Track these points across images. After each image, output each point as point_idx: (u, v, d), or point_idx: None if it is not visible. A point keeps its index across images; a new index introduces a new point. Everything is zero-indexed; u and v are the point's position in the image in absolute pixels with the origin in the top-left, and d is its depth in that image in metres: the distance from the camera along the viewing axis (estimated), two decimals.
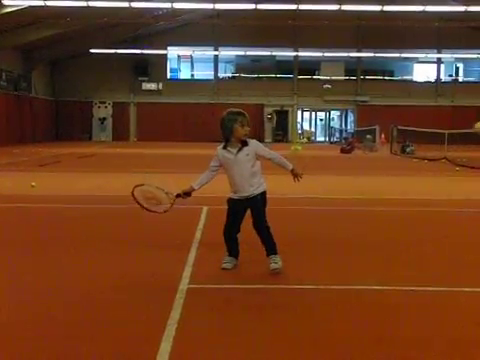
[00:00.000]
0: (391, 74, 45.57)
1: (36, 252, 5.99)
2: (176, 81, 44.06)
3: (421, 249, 6.32)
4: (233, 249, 5.28)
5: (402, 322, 3.94)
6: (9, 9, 27.02)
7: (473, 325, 3.92)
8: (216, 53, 42.22)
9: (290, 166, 5.27)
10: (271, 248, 5.14)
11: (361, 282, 4.90)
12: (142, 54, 40.11)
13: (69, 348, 3.44)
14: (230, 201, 5.31)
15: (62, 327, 3.78)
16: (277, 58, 43.82)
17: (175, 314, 3.98)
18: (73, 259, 5.67)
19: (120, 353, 3.38)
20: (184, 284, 4.72)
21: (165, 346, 3.43)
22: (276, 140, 40.18)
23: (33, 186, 11.22)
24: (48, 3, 25.42)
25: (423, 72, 45.21)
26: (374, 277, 5.10)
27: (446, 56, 43.44)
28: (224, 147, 5.21)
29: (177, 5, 28.16)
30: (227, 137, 5.17)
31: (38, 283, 4.84)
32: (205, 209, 8.72)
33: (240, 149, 5.12)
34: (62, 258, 5.71)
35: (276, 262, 5.07)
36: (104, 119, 43.11)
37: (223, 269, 5.16)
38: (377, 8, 28.27)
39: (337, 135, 43.27)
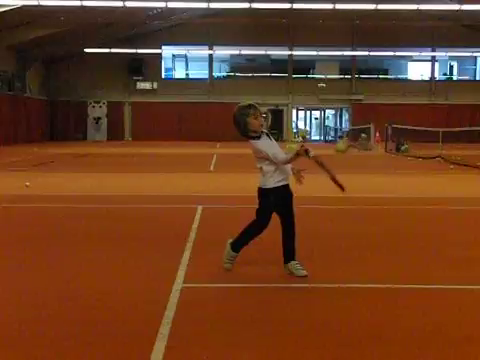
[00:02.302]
0: (386, 73, 45.63)
1: (30, 252, 5.97)
2: (171, 80, 44.02)
3: (417, 247, 6.33)
4: (245, 245, 5.09)
5: (400, 321, 3.94)
6: (3, 9, 26.94)
7: (475, 323, 3.92)
8: (211, 52, 42.21)
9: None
10: (294, 251, 5.02)
11: (357, 280, 4.90)
12: (136, 53, 40.06)
13: (63, 348, 3.43)
14: (275, 190, 4.93)
15: (56, 327, 3.77)
16: (272, 57, 43.84)
17: (169, 313, 3.98)
18: (67, 259, 5.65)
19: (114, 353, 3.37)
20: (178, 283, 4.71)
21: (159, 345, 3.42)
22: None
23: (27, 186, 11.19)
24: (42, 2, 25.33)
25: (417, 71, 45.32)
26: (370, 275, 5.10)
27: (440, 55, 43.53)
28: (258, 138, 4.97)
29: (171, 4, 28.10)
30: (244, 133, 4.98)
31: (31, 283, 4.83)
32: (200, 208, 8.71)
33: (267, 135, 5.02)
34: (57, 258, 5.70)
35: (302, 268, 4.95)
36: (99, 119, 43.02)
37: (226, 269, 5.06)
38: (371, 7, 28.29)
39: (332, 134, 43.33)
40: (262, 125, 4.98)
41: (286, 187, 5.00)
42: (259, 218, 5.02)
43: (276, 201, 4.96)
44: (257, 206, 5.04)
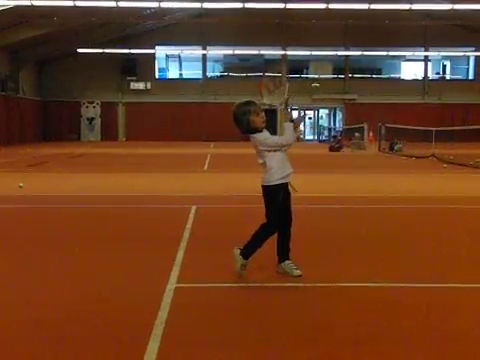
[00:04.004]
0: (379, 72, 45.74)
1: (24, 253, 5.95)
2: (164, 80, 43.98)
3: (412, 246, 6.34)
4: (258, 249, 4.95)
5: (397, 320, 3.94)
6: None
7: (473, 322, 3.92)
8: (204, 52, 42.19)
9: None
10: (289, 251, 4.99)
11: (352, 279, 4.90)
12: (130, 54, 39.99)
13: (57, 349, 3.42)
14: (280, 186, 4.88)
15: (50, 328, 3.76)
16: (265, 57, 43.86)
17: (163, 314, 3.97)
18: (61, 259, 5.64)
19: (108, 353, 3.37)
20: (172, 283, 4.70)
21: (153, 346, 3.42)
22: None
23: (21, 187, 11.15)
24: (35, 3, 25.26)
25: (411, 70, 45.44)
26: (366, 274, 5.11)
27: (433, 54, 43.65)
28: (260, 132, 4.88)
29: (165, 4, 28.10)
30: (247, 131, 4.87)
31: (26, 284, 4.82)
32: (194, 208, 8.71)
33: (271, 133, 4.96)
34: (50, 259, 5.68)
35: (297, 268, 4.93)
36: (92, 119, 42.95)
37: (239, 275, 4.91)
38: (364, 6, 28.36)
39: (326, 133, 43.40)
40: (264, 121, 4.88)
41: (287, 185, 4.97)
42: (270, 220, 4.89)
43: (279, 195, 4.87)
44: (264, 207, 4.93)
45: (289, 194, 5.00)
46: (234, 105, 4.97)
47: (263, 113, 4.89)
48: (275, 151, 4.86)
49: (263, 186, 4.94)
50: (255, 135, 4.87)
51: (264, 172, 4.92)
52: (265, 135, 4.88)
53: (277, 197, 4.88)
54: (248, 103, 4.90)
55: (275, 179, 4.86)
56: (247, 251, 4.90)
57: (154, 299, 4.29)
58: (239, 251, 4.91)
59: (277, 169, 4.86)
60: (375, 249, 6.17)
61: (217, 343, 3.52)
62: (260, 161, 4.93)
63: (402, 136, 26.30)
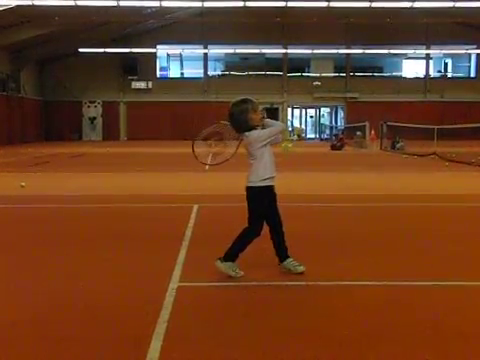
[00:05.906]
0: (380, 70, 45.73)
1: (25, 252, 5.95)
2: (166, 80, 44.00)
3: (414, 244, 6.32)
4: (242, 251, 4.87)
5: (397, 318, 3.92)
6: None
7: (474, 320, 3.90)
8: (205, 51, 42.20)
9: None
10: (287, 249, 4.97)
11: (354, 278, 4.89)
12: (131, 53, 40.03)
13: (59, 349, 3.41)
14: (266, 190, 4.83)
15: (52, 327, 3.75)
16: (266, 55, 43.86)
17: (165, 312, 3.96)
18: (63, 259, 5.63)
19: (110, 352, 3.35)
20: (174, 282, 4.69)
21: (155, 344, 3.41)
22: None
23: (23, 186, 11.16)
24: (36, 2, 25.29)
25: (412, 68, 45.43)
26: (367, 273, 5.09)
27: (435, 52, 43.63)
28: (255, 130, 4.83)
29: (166, 3, 28.11)
30: (246, 129, 4.79)
31: (28, 283, 4.81)
32: (195, 207, 8.70)
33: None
34: (51, 258, 5.67)
35: (299, 264, 4.93)
36: (94, 119, 42.99)
37: (239, 276, 4.83)
38: (365, 4, 28.33)
39: (327, 132, 43.39)
40: (262, 118, 4.82)
41: (273, 188, 4.92)
42: (253, 225, 4.84)
43: (266, 198, 4.83)
44: (248, 211, 4.88)
45: (275, 195, 4.95)
46: (230, 105, 4.87)
47: (261, 111, 4.84)
48: (265, 145, 4.80)
49: (248, 187, 4.86)
50: (251, 133, 4.80)
51: (251, 171, 4.84)
52: (258, 131, 4.83)
53: (262, 201, 4.82)
54: (245, 101, 4.82)
55: (260, 179, 4.79)
56: (231, 255, 4.82)
57: (156, 298, 4.28)
58: (220, 261, 4.83)
59: (265, 169, 4.79)
60: (378, 247, 6.16)
61: (219, 341, 3.51)
62: (251, 161, 4.88)
63: (404, 134, 26.28)
